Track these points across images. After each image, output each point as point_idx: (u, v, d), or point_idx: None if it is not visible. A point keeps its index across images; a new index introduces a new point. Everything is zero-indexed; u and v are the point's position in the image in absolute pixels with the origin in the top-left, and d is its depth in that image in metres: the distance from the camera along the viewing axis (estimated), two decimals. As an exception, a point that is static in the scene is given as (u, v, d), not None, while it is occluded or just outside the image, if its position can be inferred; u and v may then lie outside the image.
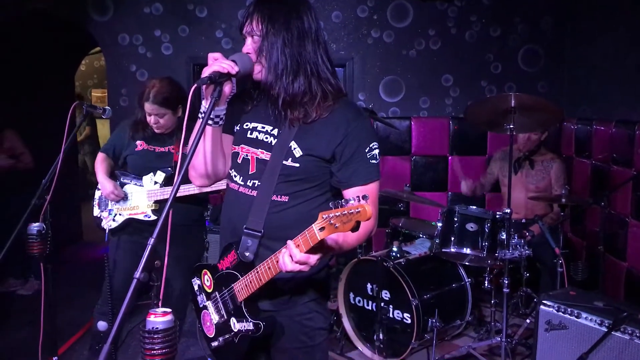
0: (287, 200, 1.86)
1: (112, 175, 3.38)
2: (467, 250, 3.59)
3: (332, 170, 1.87)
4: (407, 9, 5.28)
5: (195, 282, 2.07)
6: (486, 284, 3.89)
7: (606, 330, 2.65)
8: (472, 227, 3.57)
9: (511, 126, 3.42)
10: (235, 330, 1.90)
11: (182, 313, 3.54)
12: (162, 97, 3.17)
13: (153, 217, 3.25)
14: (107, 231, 3.33)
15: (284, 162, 1.84)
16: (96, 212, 3.43)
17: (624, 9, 4.29)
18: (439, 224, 3.71)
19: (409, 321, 3.61)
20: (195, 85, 1.74)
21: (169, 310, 1.65)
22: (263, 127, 1.92)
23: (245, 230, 1.87)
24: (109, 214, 3.36)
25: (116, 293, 3.29)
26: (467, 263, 3.85)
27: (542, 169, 4.30)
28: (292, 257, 1.61)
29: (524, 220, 4.20)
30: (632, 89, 4.18)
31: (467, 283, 3.93)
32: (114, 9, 5.33)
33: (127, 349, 3.84)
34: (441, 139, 5.33)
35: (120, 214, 3.33)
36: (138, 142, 3.30)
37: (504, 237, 3.46)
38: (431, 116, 5.37)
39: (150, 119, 3.21)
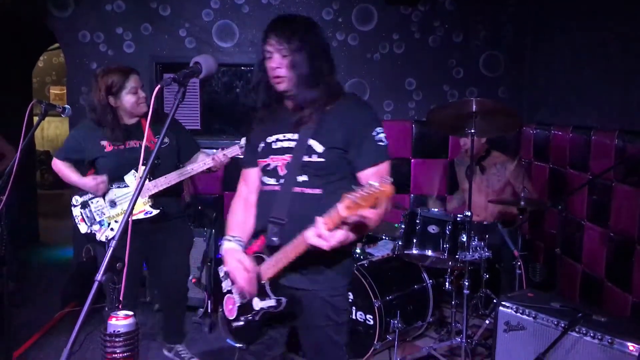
0: (319, 192, 2.08)
1: None
2: (428, 252, 3.63)
3: (348, 157, 2.09)
4: (371, 13, 5.32)
5: (222, 269, 2.23)
6: (447, 286, 3.94)
7: (562, 331, 2.72)
8: (433, 230, 3.62)
9: (472, 130, 3.48)
10: (257, 309, 2.08)
11: (181, 306, 3.65)
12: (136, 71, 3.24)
13: (155, 212, 3.20)
14: (107, 243, 3.19)
15: (308, 158, 2.07)
16: (84, 229, 3.26)
17: (583, 19, 4.42)
18: (402, 226, 3.75)
19: (372, 322, 3.64)
20: (159, 85, 1.77)
21: (130, 313, 1.63)
22: (284, 136, 2.15)
23: (270, 219, 2.09)
24: (101, 225, 3.22)
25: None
26: (428, 265, 3.90)
27: (497, 172, 4.35)
28: (317, 232, 1.83)
29: (485, 223, 4.27)
30: (588, 96, 4.30)
31: (429, 284, 3.98)
32: (74, 5, 5.21)
33: (85, 352, 3.76)
34: (404, 142, 5.38)
35: (116, 221, 3.19)
36: (104, 143, 3.19)
37: (465, 239, 3.52)
38: (395, 119, 5.42)
39: (139, 95, 3.17)
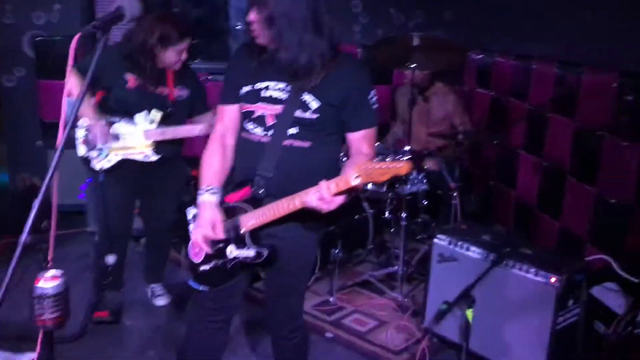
0: (308, 146, 2.06)
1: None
2: (369, 185, 3.68)
3: (341, 116, 2.08)
4: None
5: (191, 212, 2.24)
6: (387, 214, 4.03)
7: (491, 263, 2.85)
8: (373, 163, 3.66)
9: (414, 65, 3.46)
10: (230, 257, 2.10)
11: (164, 249, 3.70)
12: None
13: (154, 157, 3.15)
14: (100, 172, 3.15)
15: (302, 113, 2.03)
16: (82, 151, 3.19)
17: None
18: (343, 159, 3.76)
19: (313, 252, 3.71)
20: (80, 33, 1.69)
21: (59, 273, 1.61)
22: (275, 84, 2.08)
23: (258, 172, 2.07)
24: (100, 153, 3.15)
25: (114, 228, 3.29)
26: (368, 196, 3.97)
27: (438, 104, 4.37)
28: (320, 196, 1.83)
29: (425, 152, 4.32)
30: (532, 25, 4.28)
31: (369, 214, 4.06)
32: None
33: (26, 285, 3.72)
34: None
35: (115, 154, 3.14)
36: (129, 77, 3.08)
37: (404, 172, 3.57)
38: (339, 43, 5.29)
39: (182, 57, 3.12)
